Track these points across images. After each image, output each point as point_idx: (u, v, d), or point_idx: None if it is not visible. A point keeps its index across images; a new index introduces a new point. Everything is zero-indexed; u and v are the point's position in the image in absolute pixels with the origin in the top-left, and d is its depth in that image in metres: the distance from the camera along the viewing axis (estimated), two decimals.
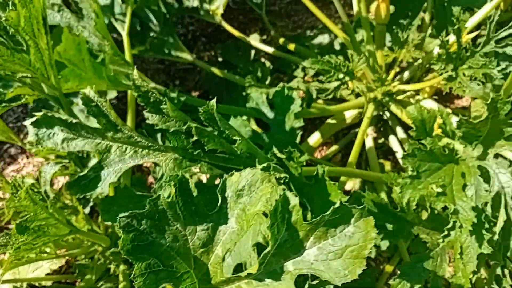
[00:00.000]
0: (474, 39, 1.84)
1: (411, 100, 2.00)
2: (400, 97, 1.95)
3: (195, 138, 1.07)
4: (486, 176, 1.34)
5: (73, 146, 1.19)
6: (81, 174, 1.18)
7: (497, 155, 1.39)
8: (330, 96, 1.73)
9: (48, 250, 1.56)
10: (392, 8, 2.13)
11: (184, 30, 3.06)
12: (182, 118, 1.11)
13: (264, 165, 0.98)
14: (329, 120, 2.24)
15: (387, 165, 2.34)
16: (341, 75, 1.70)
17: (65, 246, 1.71)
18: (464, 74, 1.54)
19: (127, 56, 1.81)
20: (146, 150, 1.20)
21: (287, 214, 0.78)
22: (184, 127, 1.09)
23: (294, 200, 0.79)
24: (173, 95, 1.66)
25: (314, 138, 2.25)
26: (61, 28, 1.34)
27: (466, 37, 1.87)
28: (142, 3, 1.94)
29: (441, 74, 1.58)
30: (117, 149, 1.20)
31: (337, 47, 2.60)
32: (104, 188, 1.18)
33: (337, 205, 0.79)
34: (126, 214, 0.79)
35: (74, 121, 1.16)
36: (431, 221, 1.47)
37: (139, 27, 2.22)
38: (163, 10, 2.15)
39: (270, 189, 0.81)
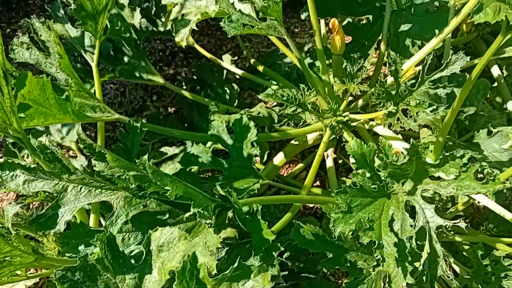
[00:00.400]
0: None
1: (365, 126, 2.12)
2: (354, 124, 2.07)
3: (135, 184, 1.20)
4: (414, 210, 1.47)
5: (33, 187, 1.32)
6: (40, 212, 1.31)
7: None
8: (284, 126, 1.85)
9: (19, 272, 1.69)
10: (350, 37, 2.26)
11: (162, 46, 3.18)
12: (124, 165, 1.23)
13: (190, 213, 1.11)
14: (293, 141, 2.37)
15: (349, 183, 2.48)
16: (293, 108, 1.83)
17: (37, 266, 1.84)
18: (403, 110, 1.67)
19: (96, 86, 1.93)
20: (99, 190, 1.33)
21: (195, 271, 0.90)
22: (124, 175, 1.22)
23: (201, 258, 0.91)
24: (136, 125, 1.77)
25: (279, 158, 2.38)
26: (26, 74, 1.45)
27: (415, 69, 1.99)
28: (111, 33, 2.05)
29: (384, 108, 1.71)
30: (73, 189, 1.33)
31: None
32: (61, 226, 1.31)
33: (236, 264, 0.92)
34: (61, 267, 0.93)
35: (33, 166, 1.29)
36: (369, 248, 1.60)
37: (112, 51, 2.33)
38: (134, 36, 2.26)
39: (185, 247, 0.94)
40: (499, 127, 2.24)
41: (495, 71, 2.65)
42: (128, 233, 1.35)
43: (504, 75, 2.67)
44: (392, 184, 1.47)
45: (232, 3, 1.76)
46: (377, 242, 1.37)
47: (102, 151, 1.23)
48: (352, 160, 2.32)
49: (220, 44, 3.20)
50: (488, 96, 2.77)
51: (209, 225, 1.14)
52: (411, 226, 1.41)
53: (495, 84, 2.66)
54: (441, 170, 1.38)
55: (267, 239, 1.28)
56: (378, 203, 1.47)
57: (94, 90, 1.97)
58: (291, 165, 2.62)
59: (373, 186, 1.45)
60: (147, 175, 1.20)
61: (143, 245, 1.00)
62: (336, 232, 1.40)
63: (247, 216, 1.36)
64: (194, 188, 1.25)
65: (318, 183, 2.59)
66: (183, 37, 2.04)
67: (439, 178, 1.49)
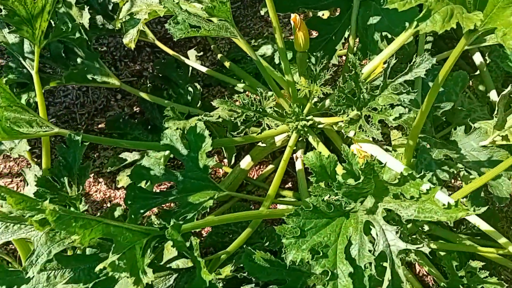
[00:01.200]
0: None
1: (334, 127, 1.97)
2: (321, 126, 1.92)
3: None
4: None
5: None
6: None
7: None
8: (242, 134, 1.70)
9: None
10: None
11: None
12: (31, 207, 1.08)
13: (103, 265, 0.97)
14: (260, 144, 2.22)
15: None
16: (251, 113, 1.68)
17: None
18: (366, 116, 1.52)
19: (38, 96, 1.78)
20: (18, 225, 1.19)
21: None
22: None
23: None
24: (77, 138, 1.63)
25: (246, 162, 2.24)
26: None
27: (384, 66, 1.84)
28: (55, 37, 1.88)
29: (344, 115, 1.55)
30: None
31: (277, 60, 2.55)
32: None
33: None
34: None
35: None
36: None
37: (63, 52, 2.17)
38: (84, 37, 2.09)
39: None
40: (480, 120, 2.10)
41: (477, 58, 2.51)
42: (53, 271, 1.22)
43: (487, 62, 2.53)
44: (349, 204, 1.32)
45: (178, 3, 1.59)
46: (330, 272, 1.23)
47: (2, 194, 1.09)
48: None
49: (189, 37, 3.02)
50: (471, 83, 2.63)
51: (126, 277, 1.00)
52: (370, 251, 1.27)
53: (478, 72, 2.52)
54: (401, 189, 1.24)
55: (205, 280, 1.14)
56: (335, 223, 1.33)
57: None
58: (261, 166, 2.48)
59: (328, 206, 1.31)
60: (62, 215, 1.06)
61: None
62: (288, 260, 1.26)
63: (188, 250, 1.23)
64: (119, 225, 1.11)
65: (290, 184, 2.45)
66: (131, 39, 1.87)
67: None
